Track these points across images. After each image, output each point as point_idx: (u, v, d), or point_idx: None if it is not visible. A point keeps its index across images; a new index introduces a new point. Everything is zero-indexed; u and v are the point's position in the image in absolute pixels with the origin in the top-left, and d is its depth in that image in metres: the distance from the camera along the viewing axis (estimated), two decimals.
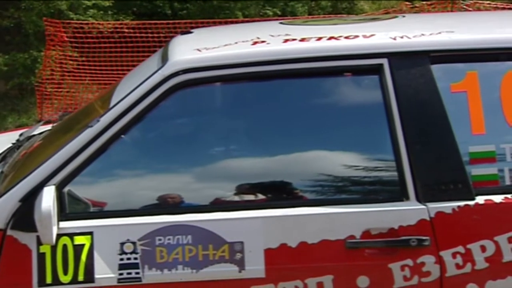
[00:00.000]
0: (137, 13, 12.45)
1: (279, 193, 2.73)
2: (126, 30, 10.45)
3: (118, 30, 10.51)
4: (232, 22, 9.59)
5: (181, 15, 12.07)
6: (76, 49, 10.28)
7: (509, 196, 2.60)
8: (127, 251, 2.56)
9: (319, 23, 3.38)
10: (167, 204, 2.67)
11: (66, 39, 10.27)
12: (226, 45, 2.82)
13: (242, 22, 10.17)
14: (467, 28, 3.05)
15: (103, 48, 10.16)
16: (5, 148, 3.44)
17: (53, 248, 2.55)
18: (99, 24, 10.83)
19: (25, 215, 2.52)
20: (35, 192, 2.54)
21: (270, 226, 2.58)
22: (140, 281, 2.55)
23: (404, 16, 3.50)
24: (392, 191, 2.65)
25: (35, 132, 3.60)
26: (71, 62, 10.28)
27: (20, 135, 3.63)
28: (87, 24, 10.68)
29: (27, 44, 11.43)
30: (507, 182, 2.63)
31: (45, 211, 2.42)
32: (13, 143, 3.45)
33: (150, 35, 10.19)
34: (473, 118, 2.65)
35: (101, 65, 10.09)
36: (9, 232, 2.56)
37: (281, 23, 3.48)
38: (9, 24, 11.70)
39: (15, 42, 11.81)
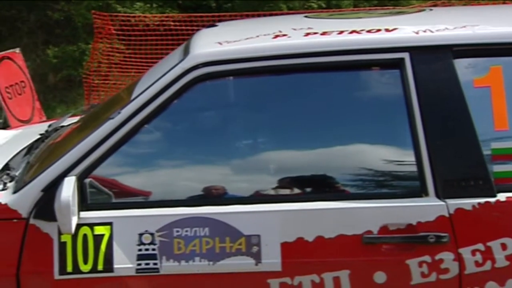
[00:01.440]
0: (182, 6, 12.50)
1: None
2: (172, 23, 10.48)
3: (163, 23, 10.57)
4: (276, 15, 9.54)
5: (225, 8, 12.08)
6: (123, 42, 10.39)
7: None
8: (145, 242, 2.59)
9: (344, 17, 3.36)
10: (186, 196, 2.70)
11: (113, 31, 10.38)
12: (247, 38, 2.82)
13: (287, 14, 10.09)
14: (494, 22, 2.99)
15: (149, 41, 10.24)
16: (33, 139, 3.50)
17: (74, 238, 2.59)
18: (145, 17, 10.91)
19: (47, 204, 2.57)
20: (56, 182, 2.59)
21: (287, 219, 2.58)
22: (158, 271, 2.58)
23: (431, 10, 3.45)
24: (411, 187, 2.62)
25: (64, 124, 3.66)
26: (117, 54, 10.39)
27: (49, 126, 3.69)
28: (133, 17, 10.76)
29: (76, 37, 11.64)
30: None
31: (64, 201, 2.46)
32: (41, 134, 3.51)
33: (195, 28, 10.18)
34: (496, 113, 2.60)
35: (147, 57, 10.16)
36: (32, 221, 2.61)
37: (306, 16, 3.46)
38: (59, 17, 11.92)
39: (65, 35, 12.06)
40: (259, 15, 9.72)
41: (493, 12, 3.48)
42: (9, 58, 8.34)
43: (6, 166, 2.98)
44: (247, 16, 9.71)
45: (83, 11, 11.32)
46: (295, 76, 2.76)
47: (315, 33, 2.79)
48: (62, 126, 3.62)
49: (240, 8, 11.66)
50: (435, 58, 2.64)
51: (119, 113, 2.68)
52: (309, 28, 2.88)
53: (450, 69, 2.62)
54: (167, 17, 10.93)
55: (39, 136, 3.48)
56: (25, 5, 12.77)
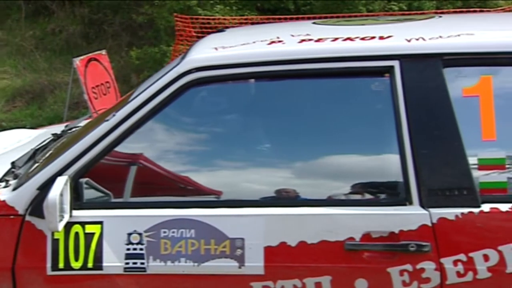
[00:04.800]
0: (261, 8, 12.48)
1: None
2: (251, 25, 10.54)
3: (242, 25, 10.63)
4: (356, 17, 9.40)
5: (303, 11, 12.02)
6: None
7: None
8: (133, 241, 2.66)
9: (349, 24, 3.36)
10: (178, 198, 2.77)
11: (193, 34, 10.46)
12: (243, 44, 2.86)
13: (367, 16, 9.96)
14: (492, 31, 2.96)
15: None
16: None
17: (66, 235, 2.68)
18: (224, 19, 10.94)
19: (41, 202, 2.65)
20: (52, 181, 2.67)
21: (271, 224, 2.61)
22: (145, 271, 2.65)
23: (440, 17, 3.42)
24: (396, 195, 2.63)
25: (80, 125, 3.76)
26: None
27: (66, 126, 3.80)
28: (213, 19, 10.84)
29: (158, 39, 11.84)
30: None
31: (51, 200, 2.54)
32: (53, 134, 3.62)
33: None
34: (484, 123, 2.58)
35: None
36: (28, 218, 2.71)
37: (314, 23, 3.48)
38: (143, 20, 12.19)
39: (147, 37, 12.34)
40: (337, 17, 9.64)
41: (499, 21, 3.44)
42: (96, 59, 8.65)
43: (12, 164, 3.09)
44: (326, 17, 9.67)
45: (166, 14, 11.50)
46: (286, 82, 2.78)
47: (310, 39, 2.82)
48: (77, 127, 3.72)
49: (318, 10, 11.59)
50: (424, 67, 2.63)
51: (114, 115, 2.76)
52: (307, 34, 2.90)
53: (439, 77, 2.61)
54: (246, 19, 10.94)
55: (50, 137, 3.59)
56: (111, 8, 13.19)
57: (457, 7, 12.08)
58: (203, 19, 10.73)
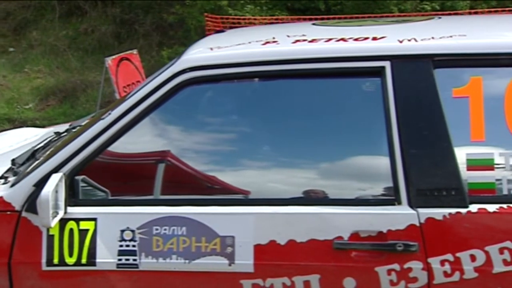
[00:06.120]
0: (291, 8, 12.48)
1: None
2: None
3: (274, 25, 10.64)
4: (387, 17, 9.31)
5: (334, 10, 11.98)
6: None
7: (504, 206, 2.52)
8: (126, 238, 2.70)
9: (347, 25, 3.37)
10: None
11: None
12: (238, 44, 2.89)
13: (399, 16, 9.87)
14: (485, 32, 2.96)
15: None
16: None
17: (61, 231, 2.73)
18: (255, 19, 10.97)
19: (36, 199, 2.70)
20: (47, 178, 2.72)
21: (261, 222, 2.63)
22: (137, 267, 2.69)
23: (439, 18, 3.41)
24: (384, 195, 2.64)
25: (83, 124, 3.81)
26: None
27: (70, 125, 3.86)
28: (243, 19, 10.89)
29: (188, 39, 11.90)
30: (504, 192, 2.55)
31: (44, 196, 2.59)
32: (55, 133, 3.68)
33: None
34: (473, 124, 2.58)
35: None
36: (24, 214, 2.77)
37: (313, 24, 3.49)
38: (173, 20, 12.30)
39: (177, 37, 12.46)
40: (369, 17, 9.59)
41: (496, 22, 3.42)
42: (127, 59, 8.79)
43: (12, 162, 3.15)
44: (357, 17, 9.63)
45: (196, 13, 11.59)
46: (278, 82, 2.80)
47: (304, 40, 2.84)
48: (80, 126, 3.77)
49: (349, 10, 11.54)
50: (415, 67, 2.64)
51: (109, 114, 2.81)
52: (302, 35, 2.92)
53: (429, 78, 2.62)
54: (276, 19, 10.95)
55: (53, 135, 3.65)
56: (143, 8, 13.35)
57: (491, 6, 11.88)
58: (233, 19, 10.77)
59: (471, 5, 12.04)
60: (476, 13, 10.67)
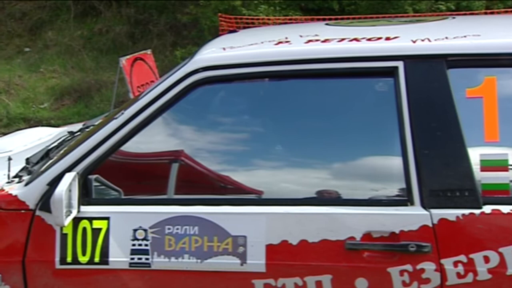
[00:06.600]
0: (305, 8, 12.48)
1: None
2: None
3: (287, 25, 10.64)
4: (402, 17, 9.23)
5: (348, 10, 11.96)
6: None
7: None
8: (139, 237, 2.71)
9: (361, 25, 3.36)
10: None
11: None
12: (251, 44, 2.89)
13: (413, 17, 9.82)
14: (500, 33, 2.94)
15: None
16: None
17: (74, 230, 2.74)
18: (268, 19, 10.96)
19: (50, 197, 2.71)
20: (61, 177, 2.73)
21: (273, 222, 2.63)
22: (149, 266, 2.70)
23: (454, 18, 3.40)
24: (397, 195, 2.63)
25: (96, 123, 3.82)
26: None
27: (83, 124, 3.88)
28: (257, 19, 10.88)
29: (202, 39, 11.92)
30: None
31: (57, 195, 2.60)
32: (69, 132, 3.70)
33: None
34: (487, 125, 2.56)
35: None
36: (38, 212, 2.78)
37: (326, 24, 3.49)
38: (187, 20, 12.33)
39: (191, 37, 12.50)
40: (383, 17, 9.56)
41: (511, 22, 3.39)
42: (141, 59, 8.82)
43: (27, 161, 3.17)
44: (371, 18, 9.59)
45: (210, 14, 11.61)
46: (291, 82, 2.80)
47: (317, 40, 2.83)
48: (93, 125, 3.78)
49: (363, 10, 11.51)
50: (428, 68, 2.63)
51: (122, 113, 2.82)
52: (315, 35, 2.92)
53: (443, 78, 2.60)
54: (290, 19, 10.94)
55: (67, 135, 3.67)
56: (157, 8, 13.41)
57: (508, 6, 11.80)
58: (247, 19, 10.77)
59: (487, 5, 11.95)
60: (492, 13, 10.58)
